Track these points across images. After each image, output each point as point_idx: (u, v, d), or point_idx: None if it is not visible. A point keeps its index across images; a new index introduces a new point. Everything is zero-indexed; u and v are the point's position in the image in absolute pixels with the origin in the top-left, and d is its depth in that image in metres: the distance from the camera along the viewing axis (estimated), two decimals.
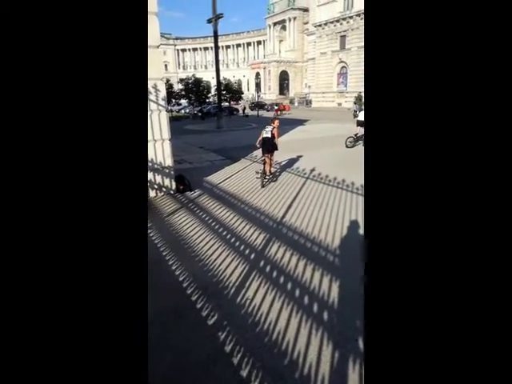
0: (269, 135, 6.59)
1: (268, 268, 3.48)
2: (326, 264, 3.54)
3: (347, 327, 2.57)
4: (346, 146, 11.17)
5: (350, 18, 36.48)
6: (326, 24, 40.13)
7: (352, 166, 8.34)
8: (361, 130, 11.46)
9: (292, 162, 8.92)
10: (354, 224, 4.65)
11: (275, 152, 6.90)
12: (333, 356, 2.29)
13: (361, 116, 11.84)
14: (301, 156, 9.63)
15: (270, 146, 6.65)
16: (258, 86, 38.61)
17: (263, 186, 6.61)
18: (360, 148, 11.27)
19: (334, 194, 6.07)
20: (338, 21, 38.40)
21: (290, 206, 5.44)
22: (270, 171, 6.92)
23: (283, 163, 8.75)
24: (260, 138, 6.76)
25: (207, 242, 4.16)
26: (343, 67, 39.46)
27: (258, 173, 6.87)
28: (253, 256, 3.76)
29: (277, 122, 6.78)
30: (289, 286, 3.13)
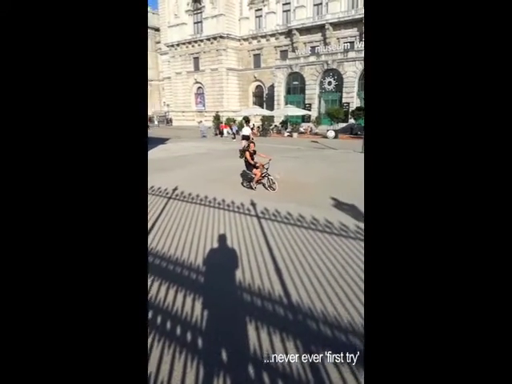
0: (243, 158, 8.32)
1: None
2: (189, 283, 3.53)
3: (211, 343, 2.61)
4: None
5: (201, 41, 38.24)
6: (178, 45, 40.85)
7: (214, 182, 8.67)
8: (245, 144, 12.68)
9: (154, 182, 8.60)
10: (220, 238, 4.81)
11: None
12: (197, 376, 2.28)
13: (244, 131, 13.50)
14: (163, 175, 9.43)
15: (246, 165, 8.26)
16: None
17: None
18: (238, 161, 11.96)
19: (197, 211, 6.15)
20: (189, 43, 39.61)
21: (150, 230, 5.22)
22: (256, 180, 8.17)
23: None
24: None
25: None
26: (199, 87, 40.89)
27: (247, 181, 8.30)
28: None
29: (252, 146, 8.16)
30: (149, 314, 2.98)
